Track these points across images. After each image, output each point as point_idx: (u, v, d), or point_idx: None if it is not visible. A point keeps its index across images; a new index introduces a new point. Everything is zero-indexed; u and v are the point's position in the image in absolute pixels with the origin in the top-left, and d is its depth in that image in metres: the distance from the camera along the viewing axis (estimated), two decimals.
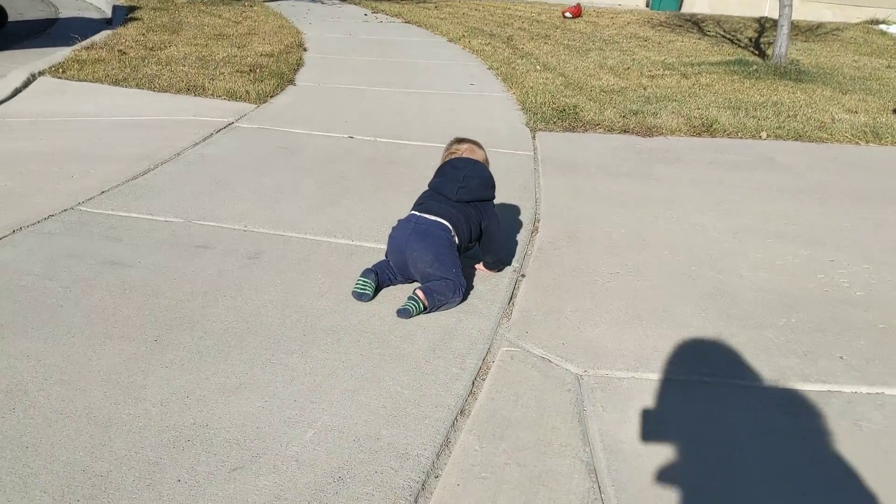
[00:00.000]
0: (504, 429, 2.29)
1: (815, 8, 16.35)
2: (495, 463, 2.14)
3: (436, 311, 2.94)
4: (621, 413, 2.41)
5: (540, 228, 4.03)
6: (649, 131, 6.11)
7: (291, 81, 7.59)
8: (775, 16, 9.56)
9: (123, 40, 9.10)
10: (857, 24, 14.96)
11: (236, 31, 10.59)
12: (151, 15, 11.70)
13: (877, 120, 6.66)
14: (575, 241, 3.86)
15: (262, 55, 8.66)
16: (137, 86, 6.93)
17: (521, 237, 3.84)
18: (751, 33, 13.12)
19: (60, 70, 7.20)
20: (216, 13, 12.43)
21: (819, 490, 2.09)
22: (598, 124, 6.29)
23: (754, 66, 9.12)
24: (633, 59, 9.82)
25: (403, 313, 2.85)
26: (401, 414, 2.30)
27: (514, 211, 4.18)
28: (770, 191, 4.75)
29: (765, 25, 13.58)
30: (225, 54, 8.52)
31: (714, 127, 6.18)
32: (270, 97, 6.81)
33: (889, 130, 6.24)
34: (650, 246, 3.81)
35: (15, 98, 6.26)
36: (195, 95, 6.70)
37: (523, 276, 3.43)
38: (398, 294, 3.06)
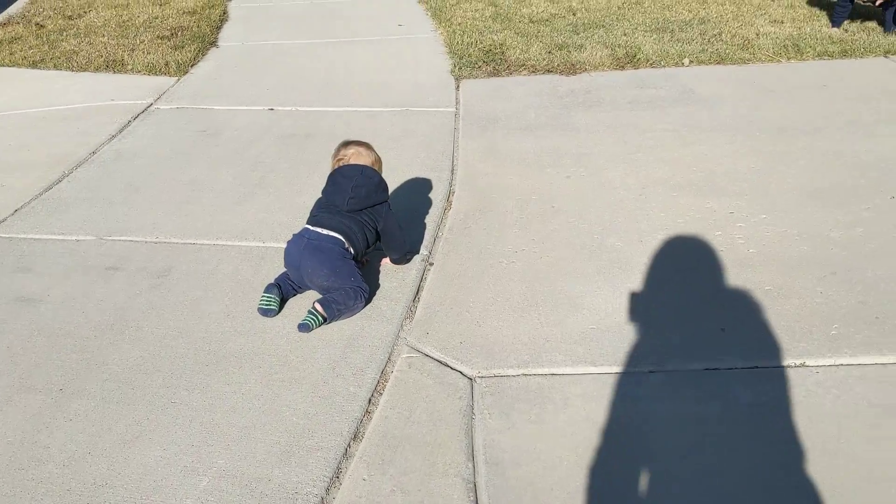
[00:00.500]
0: (394, 451, 2.43)
1: None
2: (382, 492, 2.28)
3: (339, 319, 3.03)
4: (506, 418, 2.54)
5: (454, 203, 4.10)
6: (573, 68, 6.09)
7: (214, 43, 7.44)
8: None
9: (41, 9, 8.83)
10: None
11: None
12: None
13: (801, 30, 6.66)
14: (486, 214, 3.93)
15: (185, 13, 8.44)
16: (55, 66, 6.80)
17: (433, 217, 3.90)
18: None
19: None
20: None
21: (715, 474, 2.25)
22: (522, 64, 6.26)
23: None
24: None
25: (303, 328, 2.95)
26: (294, 448, 2.43)
27: (428, 187, 4.22)
28: (684, 130, 4.80)
29: None
30: (146, 16, 8.31)
31: (638, 57, 6.17)
32: (192, 66, 6.70)
33: (811, 42, 6.25)
34: (559, 213, 3.89)
35: None
36: (115, 72, 6.60)
37: (431, 264, 3.52)
38: (306, 304, 3.14)
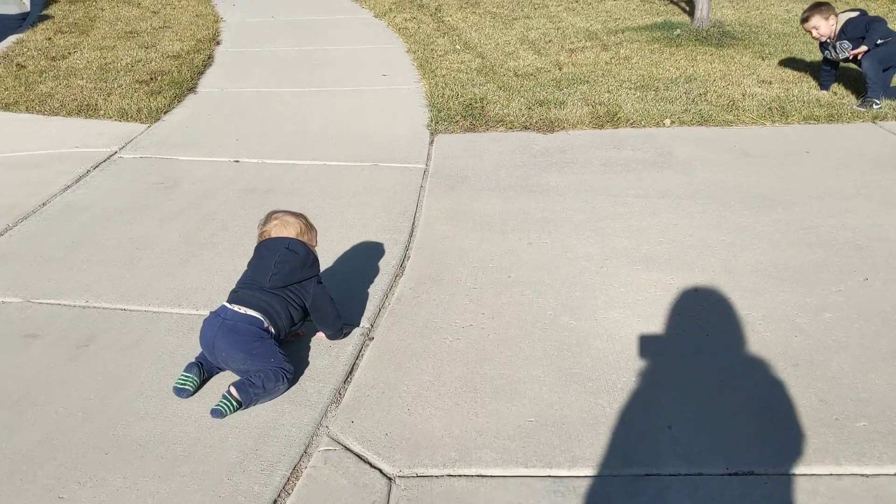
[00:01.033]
0: None
1: None
2: None
3: (257, 403, 2.82)
4: None
5: (406, 268, 3.90)
6: (551, 125, 5.94)
7: (192, 89, 7.33)
8: None
9: (26, 49, 8.77)
10: None
11: (150, 25, 10.23)
12: (66, 10, 11.27)
13: (789, 91, 6.50)
14: (439, 283, 3.73)
15: (169, 56, 8.36)
16: (27, 109, 6.69)
17: (381, 285, 3.70)
18: None
19: None
20: (135, 1, 11.98)
21: None
22: (501, 120, 6.11)
23: (678, 30, 8.89)
24: (558, 28, 9.56)
25: (216, 414, 2.73)
26: None
27: (381, 250, 4.03)
28: (656, 197, 4.61)
29: None
30: (129, 59, 8.22)
31: (618, 116, 6.01)
32: (165, 112, 6.57)
33: (797, 105, 6.08)
34: (515, 284, 3.69)
35: None
36: (87, 117, 6.47)
37: (372, 339, 3.31)
38: (229, 383, 2.91)
